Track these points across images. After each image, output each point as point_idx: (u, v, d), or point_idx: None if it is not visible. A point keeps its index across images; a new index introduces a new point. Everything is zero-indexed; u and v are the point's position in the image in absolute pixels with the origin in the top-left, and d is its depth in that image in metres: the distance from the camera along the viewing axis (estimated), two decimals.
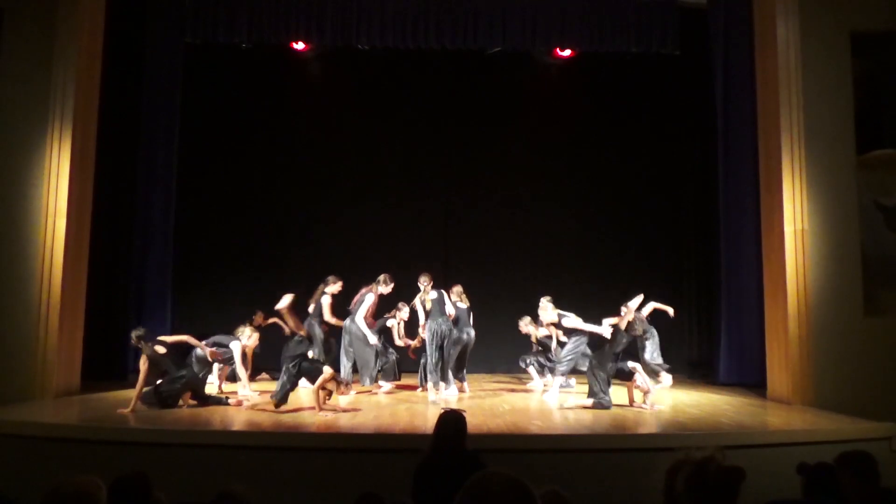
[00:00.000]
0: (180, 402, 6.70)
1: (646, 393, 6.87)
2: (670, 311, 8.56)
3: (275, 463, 5.06)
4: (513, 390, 8.46)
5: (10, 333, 6.95)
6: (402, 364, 8.46)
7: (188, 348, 7.14)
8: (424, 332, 7.87)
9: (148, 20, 9.27)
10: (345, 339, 8.04)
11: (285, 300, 7.07)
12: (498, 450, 4.93)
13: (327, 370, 6.55)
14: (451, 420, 3.89)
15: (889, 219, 7.54)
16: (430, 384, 7.60)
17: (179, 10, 9.43)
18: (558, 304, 10.23)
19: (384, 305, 8.51)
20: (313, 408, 6.45)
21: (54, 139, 7.21)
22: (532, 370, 8.58)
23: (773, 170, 7.58)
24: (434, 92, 10.70)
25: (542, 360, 8.56)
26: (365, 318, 7.89)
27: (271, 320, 8.34)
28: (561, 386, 7.81)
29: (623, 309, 7.41)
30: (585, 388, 7.17)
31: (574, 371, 7.87)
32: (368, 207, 10.59)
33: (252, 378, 8.03)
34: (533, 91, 10.82)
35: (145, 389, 6.51)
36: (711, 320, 9.62)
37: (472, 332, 8.07)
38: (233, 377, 7.80)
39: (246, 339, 7.47)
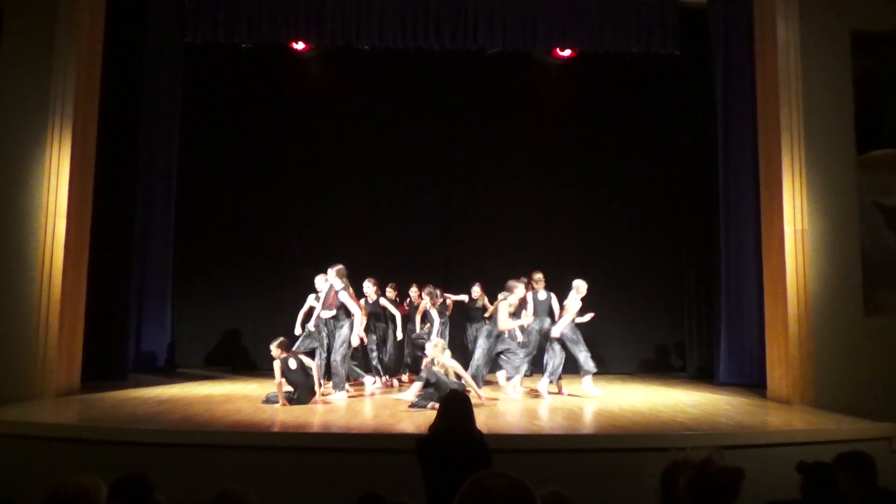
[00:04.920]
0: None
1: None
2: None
3: (275, 463, 5.06)
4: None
5: (10, 333, 6.95)
6: None
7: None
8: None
9: (148, 20, 9.26)
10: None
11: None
12: (498, 450, 4.93)
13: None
14: (455, 400, 3.87)
15: (889, 219, 7.54)
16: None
17: (179, 10, 9.43)
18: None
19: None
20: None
21: (54, 139, 7.21)
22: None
23: (773, 170, 7.58)
24: (434, 92, 10.71)
25: None
26: None
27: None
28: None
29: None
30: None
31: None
32: (369, 207, 10.60)
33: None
34: (533, 91, 10.83)
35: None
36: (711, 320, 9.61)
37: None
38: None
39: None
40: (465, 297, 9.15)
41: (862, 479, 3.12)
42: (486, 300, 9.02)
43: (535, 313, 8.17)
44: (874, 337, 7.09)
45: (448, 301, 9.09)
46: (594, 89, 10.75)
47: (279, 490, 4.75)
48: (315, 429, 5.76)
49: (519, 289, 7.84)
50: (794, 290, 7.25)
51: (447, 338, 8.87)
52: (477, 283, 9.12)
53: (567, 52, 10.34)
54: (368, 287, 8.33)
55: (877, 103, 7.73)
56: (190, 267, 10.20)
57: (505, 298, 7.70)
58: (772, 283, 7.64)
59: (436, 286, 8.85)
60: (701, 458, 1.86)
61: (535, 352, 8.21)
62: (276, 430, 5.64)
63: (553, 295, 8.35)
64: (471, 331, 9.19)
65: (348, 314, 7.39)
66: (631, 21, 9.42)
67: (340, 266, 7.47)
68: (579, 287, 7.95)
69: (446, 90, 10.70)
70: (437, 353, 6.92)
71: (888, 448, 5.50)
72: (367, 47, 9.74)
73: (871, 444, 5.04)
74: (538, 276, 8.40)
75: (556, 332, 7.82)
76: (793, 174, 7.38)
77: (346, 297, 7.31)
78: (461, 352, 9.18)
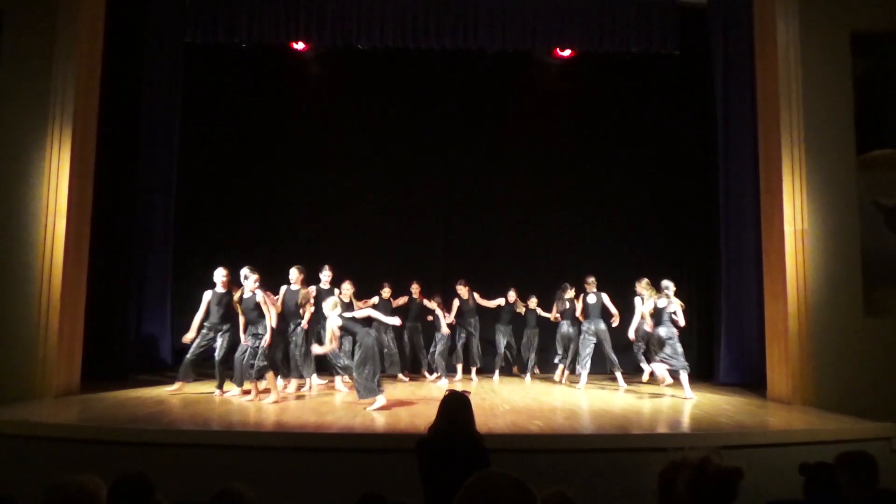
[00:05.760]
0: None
1: None
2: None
3: (275, 463, 5.06)
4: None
5: (10, 333, 6.95)
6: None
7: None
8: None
9: (148, 20, 9.27)
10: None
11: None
12: (498, 450, 4.93)
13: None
14: (455, 400, 3.85)
15: (889, 219, 7.54)
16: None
17: (179, 10, 9.44)
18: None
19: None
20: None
21: (54, 139, 7.21)
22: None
23: (773, 170, 7.58)
24: (434, 92, 10.71)
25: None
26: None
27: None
28: None
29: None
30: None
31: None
32: (369, 207, 10.60)
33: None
34: (533, 91, 10.83)
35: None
36: (711, 320, 9.62)
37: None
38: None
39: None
40: (501, 301, 9.67)
41: (863, 480, 3.13)
42: (520, 303, 9.69)
43: (587, 315, 8.79)
44: (874, 337, 7.09)
45: (478, 302, 9.61)
46: (594, 89, 10.75)
47: (279, 490, 4.75)
48: (315, 429, 5.75)
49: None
50: (794, 290, 7.25)
51: (478, 333, 9.55)
52: (512, 288, 9.69)
53: (567, 52, 10.35)
54: (325, 273, 8.43)
55: (877, 103, 7.73)
56: (190, 267, 10.18)
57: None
58: (772, 283, 7.64)
59: (467, 283, 9.49)
60: (699, 458, 1.86)
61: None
62: (275, 430, 5.63)
63: (605, 295, 8.86)
64: (502, 331, 9.72)
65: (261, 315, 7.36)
66: (631, 21, 9.43)
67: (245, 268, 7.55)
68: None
69: (446, 90, 10.70)
70: (329, 309, 6.97)
71: (888, 448, 5.50)
72: (366, 47, 9.74)
73: (871, 444, 5.04)
74: (591, 279, 8.94)
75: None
76: (793, 174, 7.38)
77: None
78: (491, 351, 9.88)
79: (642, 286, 8.23)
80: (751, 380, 8.38)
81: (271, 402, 6.92)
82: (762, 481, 4.14)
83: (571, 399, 7.64)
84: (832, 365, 7.07)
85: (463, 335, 9.51)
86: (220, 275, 7.70)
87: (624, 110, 10.70)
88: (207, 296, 7.67)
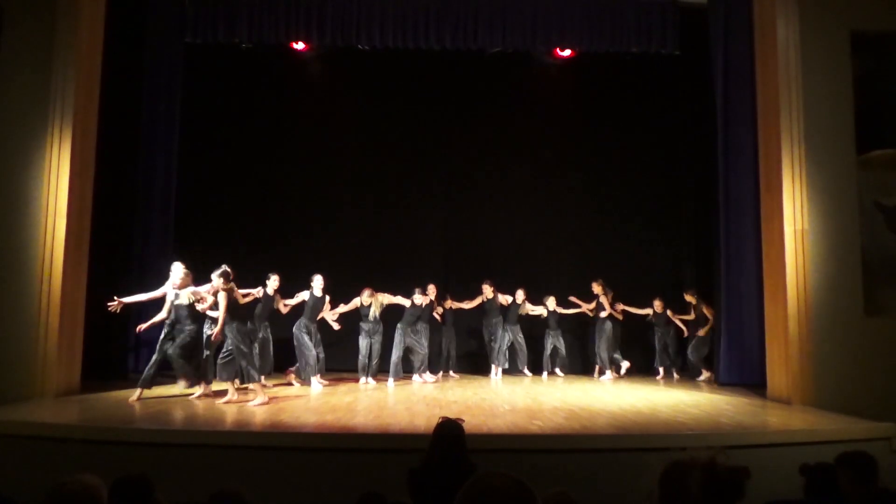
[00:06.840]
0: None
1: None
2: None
3: (275, 463, 5.06)
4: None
5: (10, 333, 6.95)
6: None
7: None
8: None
9: (148, 20, 9.27)
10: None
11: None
12: (498, 450, 4.94)
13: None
14: (449, 429, 3.83)
15: (889, 219, 7.54)
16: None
17: (179, 10, 9.44)
18: (558, 302, 10.29)
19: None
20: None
21: (54, 139, 7.20)
22: None
23: (773, 170, 7.58)
24: (434, 92, 10.72)
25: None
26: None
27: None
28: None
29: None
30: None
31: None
32: (368, 207, 10.60)
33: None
34: (533, 91, 10.83)
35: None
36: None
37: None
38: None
39: None
40: (509, 298, 9.90)
41: (863, 479, 3.13)
42: (528, 305, 9.95)
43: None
44: (874, 337, 7.09)
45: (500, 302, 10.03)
46: (594, 89, 10.75)
47: (279, 490, 4.75)
48: (315, 429, 5.75)
49: None
50: (794, 290, 7.25)
51: (511, 335, 9.99)
52: (521, 288, 9.92)
53: (567, 52, 10.35)
54: (317, 281, 8.66)
55: (877, 103, 7.73)
56: (190, 266, 10.17)
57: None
58: (772, 283, 7.64)
59: (493, 283, 9.81)
60: (707, 458, 1.86)
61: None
62: (275, 430, 5.63)
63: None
64: (509, 330, 9.90)
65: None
66: (631, 21, 9.43)
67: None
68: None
69: (446, 90, 10.70)
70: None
71: (888, 448, 5.49)
72: (367, 47, 9.74)
73: (871, 444, 5.04)
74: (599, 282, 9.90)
75: None
76: (793, 174, 7.38)
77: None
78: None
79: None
80: (751, 380, 8.37)
81: (224, 401, 6.92)
82: (762, 481, 4.14)
83: (571, 399, 7.64)
84: (832, 365, 7.06)
85: (487, 334, 9.87)
86: (179, 270, 7.45)
87: (624, 110, 10.71)
88: (166, 288, 7.44)
